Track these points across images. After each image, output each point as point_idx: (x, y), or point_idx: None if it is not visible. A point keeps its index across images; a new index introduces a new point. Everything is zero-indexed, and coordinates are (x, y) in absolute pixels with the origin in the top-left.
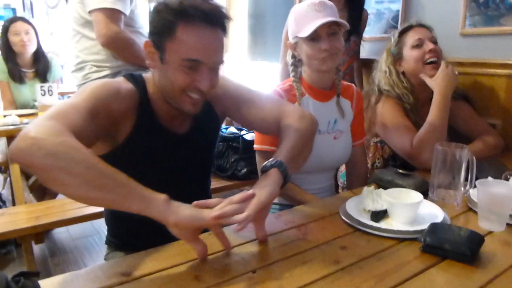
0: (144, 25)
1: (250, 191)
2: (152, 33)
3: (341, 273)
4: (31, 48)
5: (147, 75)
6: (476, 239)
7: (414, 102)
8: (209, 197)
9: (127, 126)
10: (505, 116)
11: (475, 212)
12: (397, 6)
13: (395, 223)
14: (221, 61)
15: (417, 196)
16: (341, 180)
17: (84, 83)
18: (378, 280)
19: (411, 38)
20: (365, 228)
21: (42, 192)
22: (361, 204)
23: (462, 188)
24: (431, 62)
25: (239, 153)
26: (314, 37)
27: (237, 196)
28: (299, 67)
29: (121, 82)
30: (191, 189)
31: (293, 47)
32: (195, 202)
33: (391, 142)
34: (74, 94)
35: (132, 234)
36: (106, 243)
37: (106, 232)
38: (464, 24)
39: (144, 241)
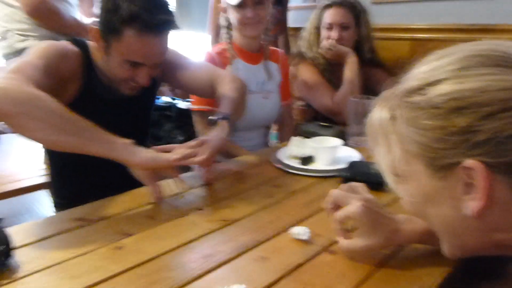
0: None
1: (204, 137)
2: (100, 25)
3: (275, 204)
4: None
5: (90, 42)
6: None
7: (326, 64)
8: None
9: (74, 86)
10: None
11: None
12: None
13: (320, 165)
14: (162, 60)
15: (337, 141)
16: (272, 141)
17: (10, 53)
18: (304, 206)
19: (326, 18)
20: (293, 170)
21: None
22: (290, 152)
23: None
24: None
25: (173, 122)
26: (241, 5)
27: (193, 142)
28: (231, 30)
29: (67, 44)
30: None
31: (224, 10)
32: (157, 147)
33: (313, 101)
34: (26, 53)
35: (79, 191)
36: (55, 206)
37: (39, 208)
38: None
39: (92, 196)
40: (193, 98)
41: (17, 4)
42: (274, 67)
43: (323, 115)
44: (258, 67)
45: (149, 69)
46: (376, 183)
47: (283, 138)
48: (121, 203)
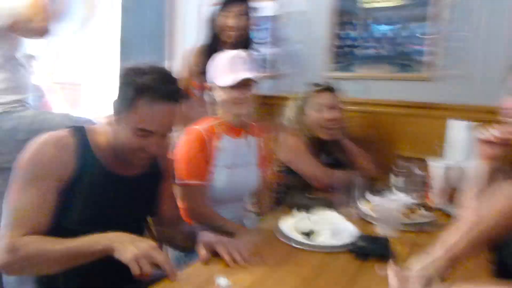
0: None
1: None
2: (116, 99)
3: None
4: None
5: (90, 127)
6: (386, 243)
7: (315, 140)
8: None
9: (67, 172)
10: (363, 145)
11: (365, 220)
12: (267, 51)
13: (324, 238)
14: (172, 130)
15: (337, 215)
16: (249, 213)
17: None
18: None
19: (314, 100)
20: (302, 246)
21: None
22: (293, 226)
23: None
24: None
25: None
26: (231, 86)
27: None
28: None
29: (62, 136)
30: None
31: (210, 88)
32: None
33: (302, 170)
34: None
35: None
36: None
37: None
38: (326, 70)
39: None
40: (179, 169)
41: None
42: (255, 140)
43: (303, 181)
44: (240, 140)
45: (159, 138)
46: (388, 257)
47: (262, 208)
48: None
